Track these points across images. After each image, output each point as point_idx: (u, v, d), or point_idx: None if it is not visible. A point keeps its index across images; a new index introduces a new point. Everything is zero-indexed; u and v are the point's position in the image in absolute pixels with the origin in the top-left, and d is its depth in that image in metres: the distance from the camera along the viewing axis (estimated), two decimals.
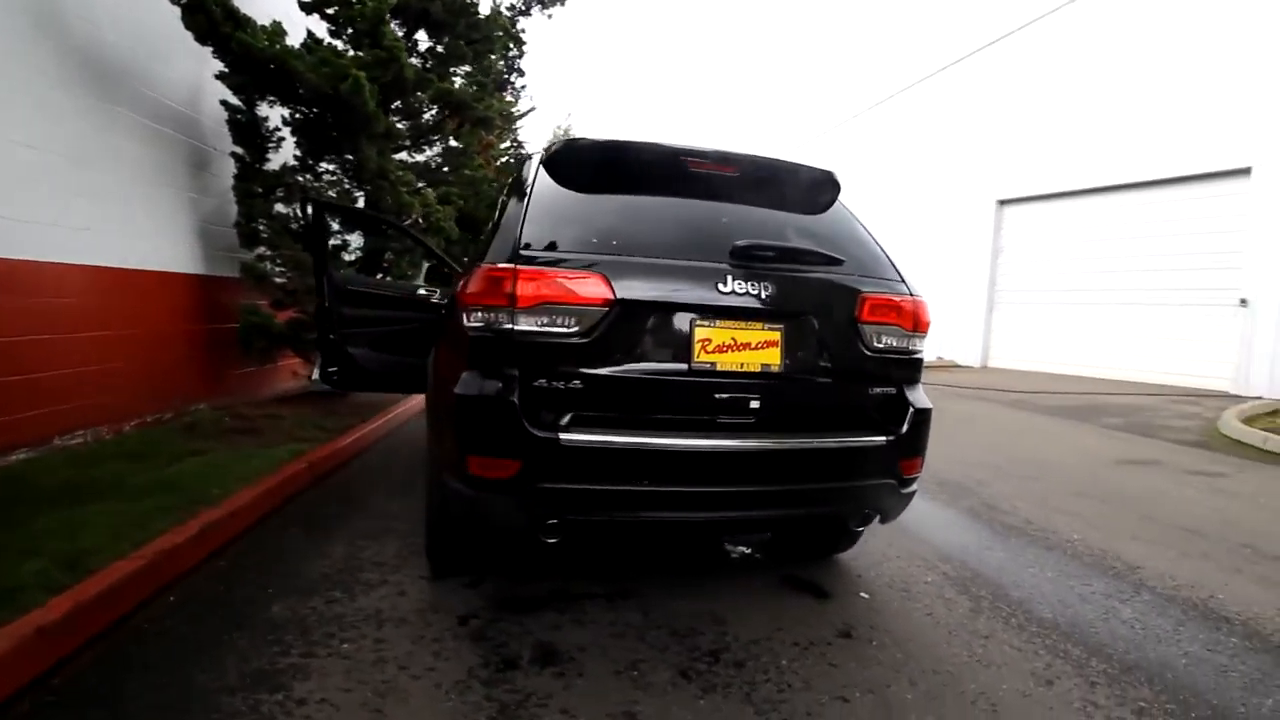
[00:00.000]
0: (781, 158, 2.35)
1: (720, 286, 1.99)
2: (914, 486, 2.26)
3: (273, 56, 4.43)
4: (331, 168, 5.85)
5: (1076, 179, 11.65)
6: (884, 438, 2.13)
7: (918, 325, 2.23)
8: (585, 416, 1.92)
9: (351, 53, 5.09)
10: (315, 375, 4.29)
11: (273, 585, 2.46)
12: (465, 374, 1.97)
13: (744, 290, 2.00)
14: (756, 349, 2.02)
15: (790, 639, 2.25)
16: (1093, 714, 1.91)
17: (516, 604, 2.39)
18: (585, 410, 1.92)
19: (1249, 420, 6.67)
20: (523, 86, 6.49)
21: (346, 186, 5.84)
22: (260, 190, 5.25)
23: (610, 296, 1.89)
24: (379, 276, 5.98)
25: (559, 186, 2.17)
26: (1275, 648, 2.35)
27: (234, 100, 5.07)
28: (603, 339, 1.90)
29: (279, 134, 5.34)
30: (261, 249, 5.41)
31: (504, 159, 8.28)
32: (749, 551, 3.01)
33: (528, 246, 1.96)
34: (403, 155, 6.40)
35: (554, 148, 2.26)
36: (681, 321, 1.98)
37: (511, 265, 1.91)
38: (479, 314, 1.95)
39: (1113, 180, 11.07)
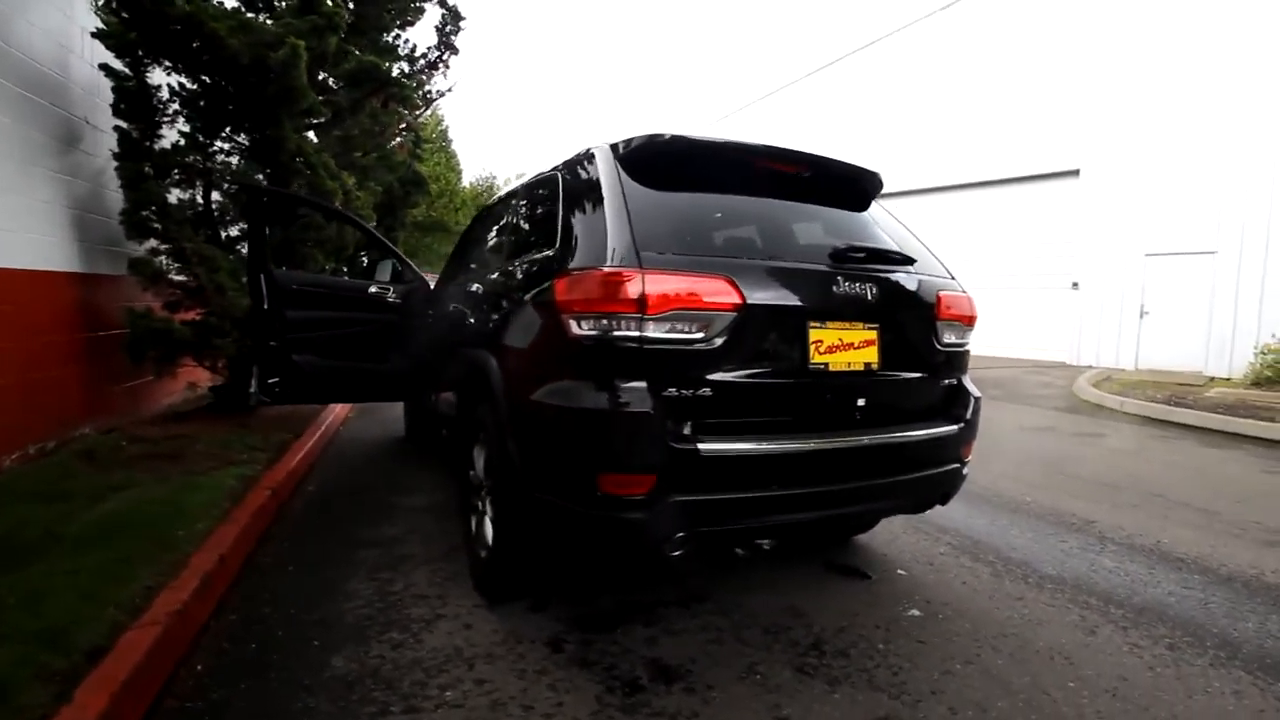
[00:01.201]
0: (835, 157, 2.40)
1: (832, 288, 2.02)
2: (969, 468, 2.45)
3: (186, 16, 3.74)
4: (226, 146, 5.10)
5: (940, 177, 13.04)
6: (955, 426, 2.27)
7: (972, 320, 2.40)
8: (715, 424, 1.86)
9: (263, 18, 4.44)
10: (253, 389, 3.74)
11: (315, 636, 2.14)
12: (582, 386, 1.83)
13: (850, 291, 2.04)
14: (859, 348, 2.07)
15: (871, 621, 2.35)
16: (1141, 654, 2.19)
17: (597, 622, 2.28)
18: (715, 418, 1.86)
19: (1097, 385, 7.90)
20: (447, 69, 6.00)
21: (239, 167, 5.10)
22: (151, 172, 4.45)
23: (739, 301, 1.84)
24: (333, 273, 5.33)
25: (639, 184, 2.06)
26: (1227, 580, 2.83)
27: (118, 65, 4.23)
28: (729, 344, 1.85)
29: (172, 106, 4.55)
30: (153, 242, 4.60)
31: (414, 141, 7.63)
32: (767, 544, 3.11)
33: (646, 248, 1.85)
34: (310, 135, 5.71)
35: (633, 144, 2.14)
36: (798, 324, 1.97)
37: (638, 269, 1.79)
38: (594, 321, 1.82)
39: (968, 179, 12.53)
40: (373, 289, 4.18)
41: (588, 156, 2.27)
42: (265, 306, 3.72)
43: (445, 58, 5.82)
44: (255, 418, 5.07)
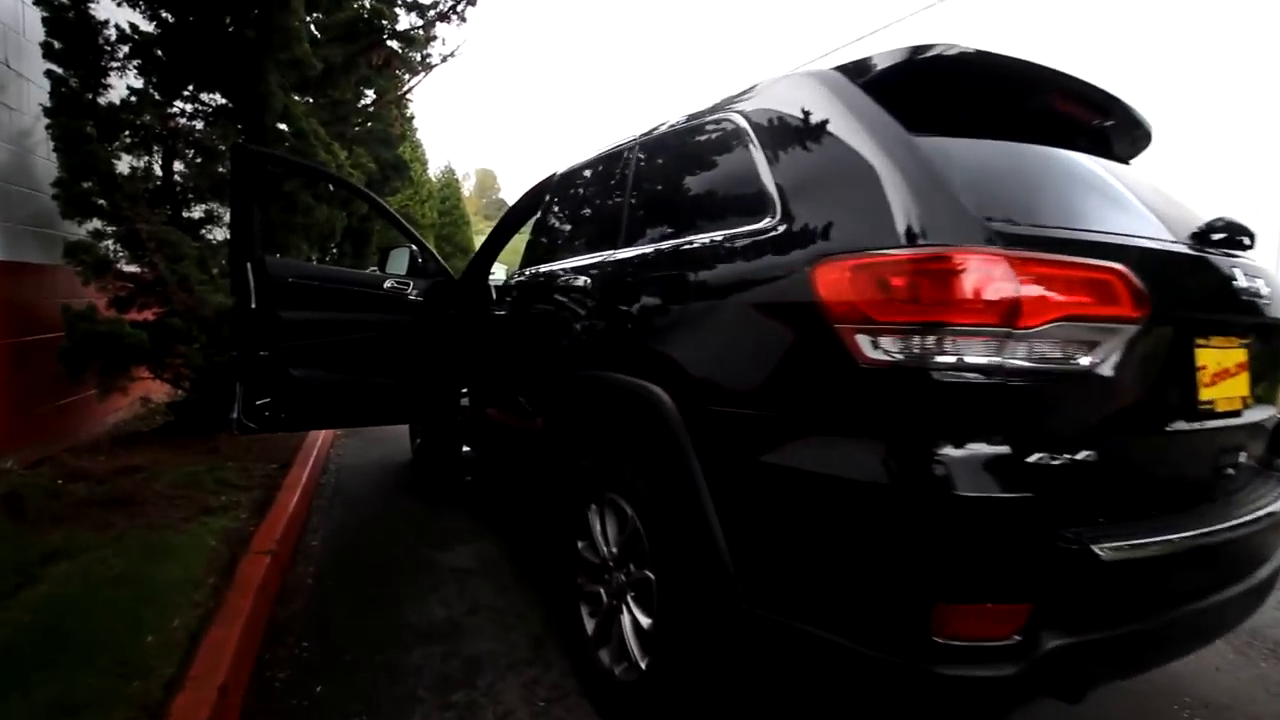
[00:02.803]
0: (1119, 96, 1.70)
1: (1212, 283, 1.33)
2: None
3: None
4: (188, 107, 4.12)
5: None
6: None
7: None
8: (1101, 507, 1.14)
9: None
10: (235, 413, 2.86)
11: None
12: (883, 449, 1.09)
13: (1231, 287, 1.34)
14: (1233, 375, 1.38)
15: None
16: None
17: None
18: (1101, 497, 1.14)
19: None
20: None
21: (205, 132, 4.12)
22: (94, 132, 3.48)
23: (1140, 306, 1.12)
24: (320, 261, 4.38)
25: (898, 122, 1.30)
26: None
27: None
28: (1117, 376, 1.13)
29: (123, 50, 3.58)
30: (97, 222, 3.63)
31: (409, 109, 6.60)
32: None
33: (989, 216, 1.11)
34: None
35: (886, 63, 1.39)
36: (1184, 341, 1.27)
37: (993, 251, 1.05)
38: (908, 339, 1.08)
39: None
40: (388, 284, 3.32)
41: (802, 84, 1.51)
42: (253, 305, 2.84)
43: (461, 7, 4.88)
44: (227, 440, 4.12)
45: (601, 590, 1.78)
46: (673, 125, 1.93)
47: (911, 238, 1.11)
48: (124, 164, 3.77)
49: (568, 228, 2.56)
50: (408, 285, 3.35)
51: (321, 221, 4.33)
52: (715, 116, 1.71)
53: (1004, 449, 1.06)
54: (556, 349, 2.14)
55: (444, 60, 5.49)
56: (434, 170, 31.98)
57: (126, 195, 3.62)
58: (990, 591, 1.04)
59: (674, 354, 1.47)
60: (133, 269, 3.77)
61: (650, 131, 2.05)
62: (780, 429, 1.22)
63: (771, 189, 1.40)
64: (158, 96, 3.90)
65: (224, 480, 3.37)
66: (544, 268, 2.48)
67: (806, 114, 1.43)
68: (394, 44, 4.64)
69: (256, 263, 2.83)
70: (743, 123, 1.58)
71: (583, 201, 2.46)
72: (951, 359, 1.06)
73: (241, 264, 2.82)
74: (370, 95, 5.22)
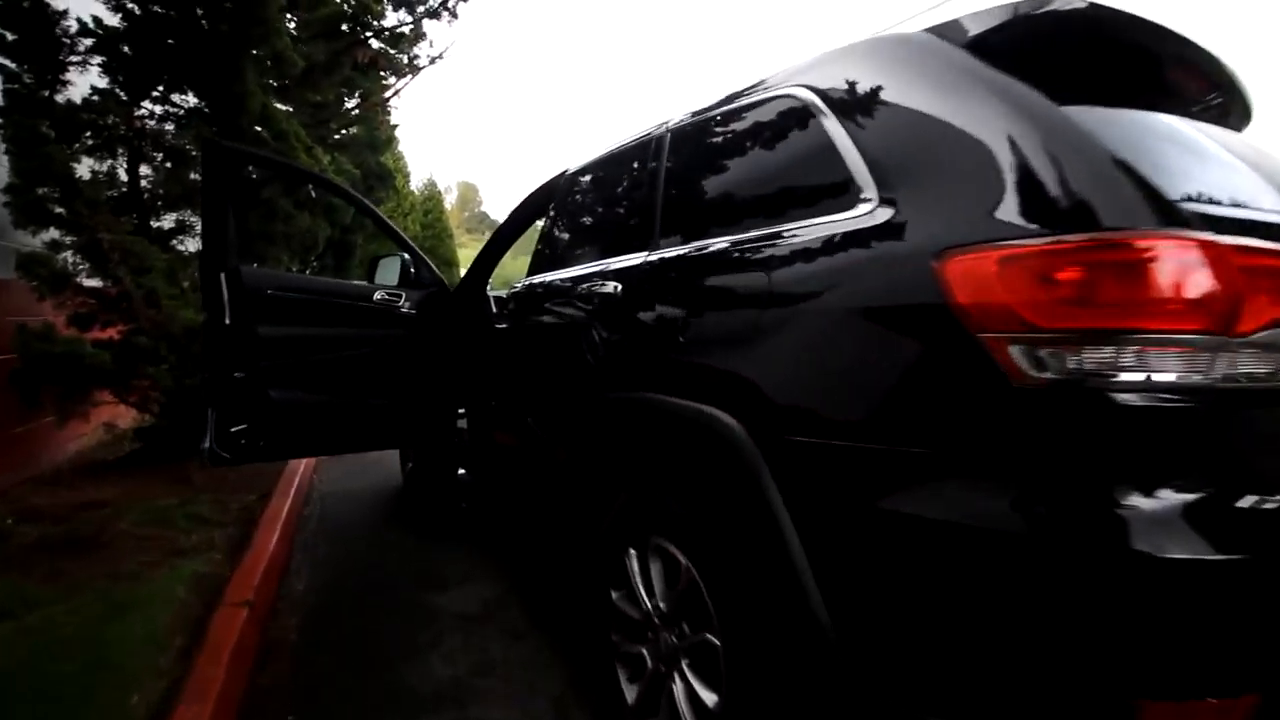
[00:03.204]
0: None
1: None
2: None
3: None
4: (157, 109, 3.82)
5: None
6: None
7: None
8: None
9: None
10: (207, 442, 2.54)
11: None
12: (1052, 493, 0.85)
13: None
14: None
15: None
16: None
17: None
18: None
19: None
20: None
21: (176, 135, 3.81)
22: (52, 133, 3.17)
23: None
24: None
25: (1031, 87, 1.07)
26: None
27: None
28: None
29: (85, 43, 3.28)
30: (55, 231, 3.31)
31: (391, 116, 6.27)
32: None
33: (1180, 199, 0.88)
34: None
35: (1000, 20, 1.16)
36: None
37: (1198, 235, 0.82)
38: (1074, 352, 0.84)
39: None
40: (378, 295, 3.03)
41: (891, 49, 1.27)
42: (228, 321, 2.54)
43: (453, 3, 4.62)
44: (200, 470, 3.77)
45: (644, 652, 1.51)
46: (711, 109, 1.69)
47: (1079, 220, 0.87)
48: (85, 168, 3.45)
49: (583, 230, 2.30)
50: (399, 297, 3.07)
51: (303, 230, 4.03)
52: (771, 94, 1.47)
53: (1212, 494, 0.82)
54: (579, 366, 1.87)
55: (432, 62, 5.24)
56: (416, 183, 31.62)
57: (87, 202, 3.31)
58: (1210, 683, 0.79)
59: (744, 373, 1.21)
60: (94, 283, 3.45)
61: (683, 118, 1.80)
62: (904, 466, 0.96)
63: (861, 170, 1.16)
64: (124, 96, 3.60)
65: (196, 516, 3.04)
66: (557, 275, 2.22)
67: (905, 82, 1.19)
68: (379, 44, 4.37)
69: (231, 273, 2.54)
70: (811, 97, 1.33)
71: (601, 201, 2.21)
72: (1140, 376, 0.82)
73: (214, 275, 2.52)
74: (355, 100, 4.93)
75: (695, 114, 1.75)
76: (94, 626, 1.98)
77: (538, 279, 2.36)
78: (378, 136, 5.19)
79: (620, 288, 1.71)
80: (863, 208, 1.12)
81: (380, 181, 8.12)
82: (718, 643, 1.25)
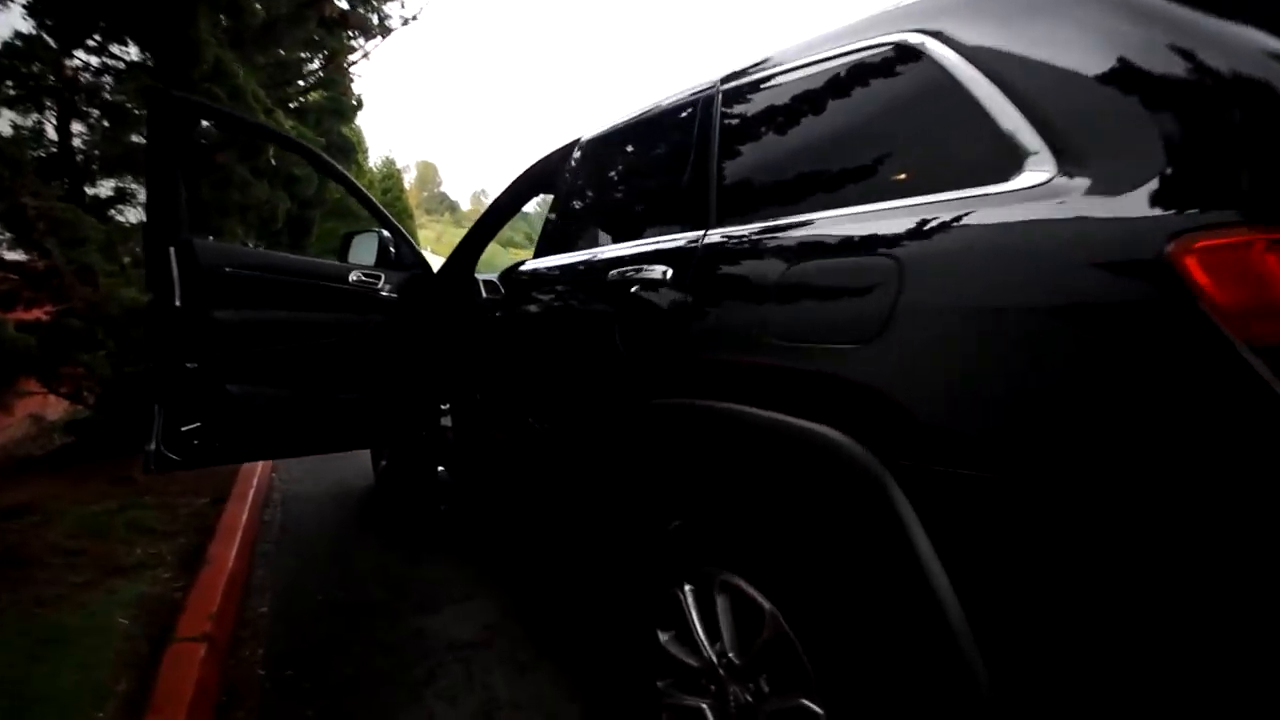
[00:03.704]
0: None
1: None
2: None
3: None
4: (94, 60, 3.36)
5: None
6: None
7: None
8: None
9: None
10: (153, 444, 2.19)
11: None
12: None
13: None
14: None
15: None
16: None
17: None
18: None
19: None
20: None
21: (116, 91, 3.36)
22: None
23: None
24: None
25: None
26: None
27: None
28: None
29: None
30: None
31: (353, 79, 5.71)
32: None
33: None
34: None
35: None
36: None
37: None
38: None
39: None
40: (355, 276, 2.69)
41: None
42: (177, 302, 2.19)
43: None
44: (137, 467, 3.37)
45: (705, 708, 1.27)
46: (780, 62, 1.43)
47: None
48: (4, 122, 2.99)
49: (605, 207, 2.03)
50: (378, 279, 2.73)
51: (261, 201, 3.63)
52: (866, 42, 1.21)
53: None
54: (608, 364, 1.61)
55: (405, 23, 4.82)
56: (374, 160, 30.39)
57: (9, 163, 2.85)
58: None
59: (873, 383, 0.97)
60: (16, 256, 3.00)
61: (739, 73, 1.53)
62: (1134, 513, 0.73)
63: (1025, 132, 0.92)
64: (52, 43, 3.13)
65: (139, 524, 2.68)
66: (575, 257, 1.94)
67: (1085, 23, 0.93)
68: (344, 3, 3.96)
69: (182, 247, 2.18)
70: (935, 45, 1.08)
71: (632, 171, 1.93)
72: None
73: (162, 248, 2.16)
74: (319, 61, 4.49)
75: (754, 70, 1.49)
76: (14, 668, 1.64)
77: (548, 262, 2.08)
78: (344, 102, 4.76)
79: (670, 273, 1.44)
80: (1037, 175, 0.88)
81: (343, 155, 7.60)
82: (820, 711, 1.02)
